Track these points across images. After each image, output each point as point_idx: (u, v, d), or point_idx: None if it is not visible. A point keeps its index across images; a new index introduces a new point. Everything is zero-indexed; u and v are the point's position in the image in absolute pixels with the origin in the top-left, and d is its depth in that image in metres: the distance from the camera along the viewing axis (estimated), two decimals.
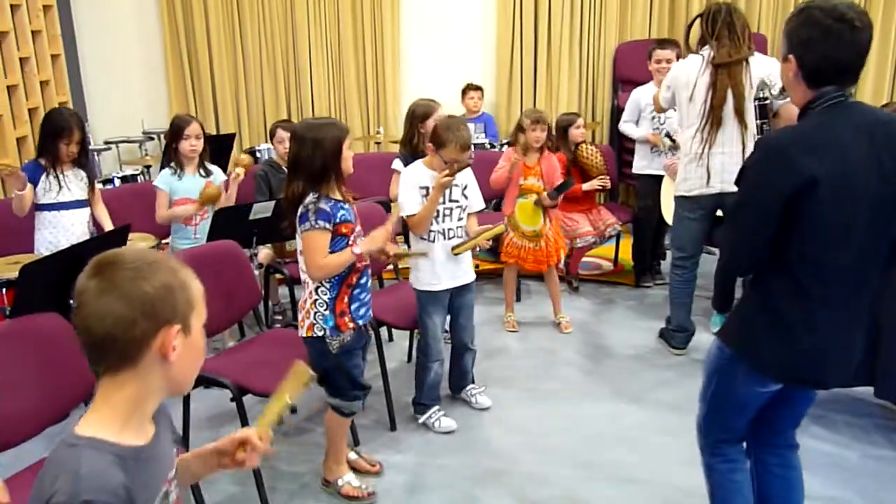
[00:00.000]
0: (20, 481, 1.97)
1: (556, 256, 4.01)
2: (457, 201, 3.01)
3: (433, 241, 2.97)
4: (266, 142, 5.16)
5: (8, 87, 4.82)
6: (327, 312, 2.44)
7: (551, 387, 3.47)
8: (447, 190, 2.94)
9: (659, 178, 4.33)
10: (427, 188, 2.92)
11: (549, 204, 3.91)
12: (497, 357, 3.76)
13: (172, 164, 3.63)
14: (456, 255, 2.98)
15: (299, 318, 2.53)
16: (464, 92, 5.70)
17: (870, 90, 5.70)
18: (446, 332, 3.37)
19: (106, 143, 5.83)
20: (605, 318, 4.28)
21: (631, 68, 5.65)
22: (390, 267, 3.96)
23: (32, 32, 5.15)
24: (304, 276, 2.46)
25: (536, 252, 3.95)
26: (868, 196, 1.69)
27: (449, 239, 3.00)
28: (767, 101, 3.29)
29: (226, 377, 2.56)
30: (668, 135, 4.30)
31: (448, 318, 3.18)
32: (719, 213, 3.57)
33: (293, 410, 3.26)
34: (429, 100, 3.68)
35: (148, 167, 5.37)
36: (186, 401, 2.74)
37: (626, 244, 4.87)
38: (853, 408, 3.17)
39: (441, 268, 2.99)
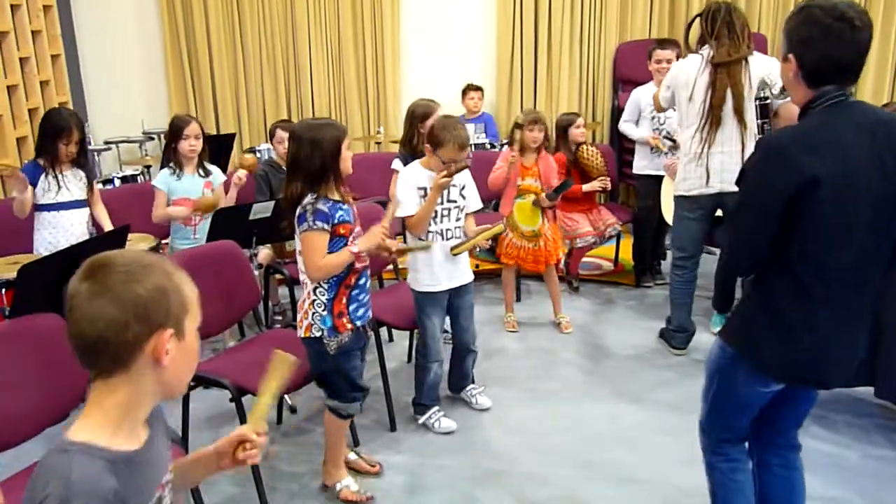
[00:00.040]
0: (19, 482, 1.97)
1: (555, 256, 4.01)
2: (455, 201, 3.01)
3: (430, 248, 2.95)
4: (266, 142, 5.16)
5: (8, 87, 4.82)
6: (325, 313, 2.44)
7: (551, 387, 3.46)
8: (445, 190, 2.93)
9: (659, 178, 4.33)
10: (425, 189, 2.91)
11: (548, 205, 3.91)
12: (497, 357, 3.76)
13: (171, 164, 3.63)
14: (455, 255, 2.98)
15: (298, 318, 2.52)
16: (464, 92, 5.70)
17: (870, 90, 5.70)
18: (446, 331, 3.37)
19: (106, 143, 5.84)
20: (605, 319, 4.28)
21: (631, 68, 5.64)
22: (390, 267, 3.96)
23: (32, 32, 5.15)
24: (302, 277, 2.46)
25: (536, 252, 3.95)
26: (870, 195, 1.69)
27: (447, 239, 2.99)
28: (768, 101, 3.29)
29: (225, 377, 2.56)
30: (667, 136, 4.30)
31: (448, 318, 3.17)
32: (719, 212, 3.57)
33: (293, 410, 3.27)
34: (428, 100, 3.68)
35: (148, 167, 5.37)
36: (186, 401, 2.74)
37: (627, 244, 4.87)
38: (853, 408, 3.17)
39: (439, 268, 2.98)
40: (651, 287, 4.69)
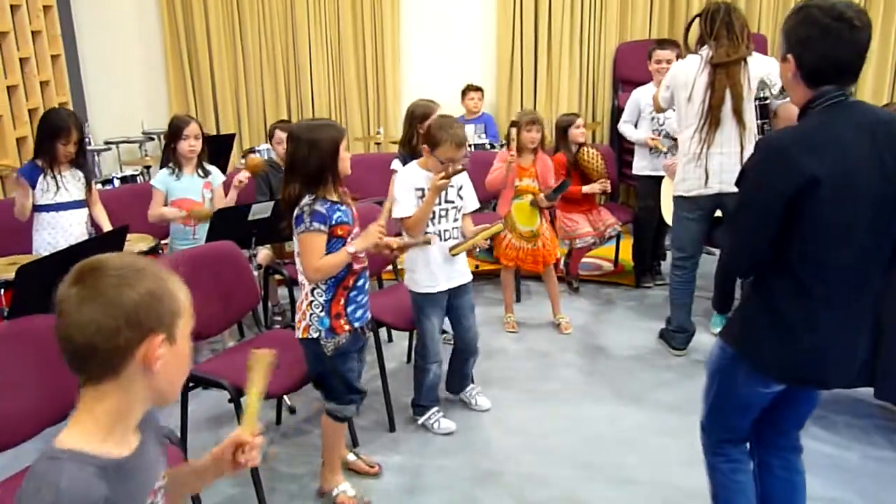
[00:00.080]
0: (17, 483, 1.97)
1: (553, 256, 4.01)
2: (452, 202, 3.00)
3: (430, 244, 2.94)
4: (266, 142, 5.16)
5: (8, 88, 4.82)
6: (323, 314, 2.43)
7: (551, 388, 3.46)
8: (442, 191, 2.92)
9: (659, 179, 4.33)
10: (423, 190, 2.90)
11: (547, 205, 3.91)
12: (497, 358, 3.75)
13: (171, 164, 3.62)
14: (454, 255, 2.97)
15: (296, 319, 2.52)
16: (464, 93, 5.70)
17: (870, 90, 5.69)
18: (445, 332, 3.36)
19: (106, 143, 5.84)
20: (605, 319, 4.27)
21: (631, 68, 5.64)
22: (389, 267, 3.96)
23: (32, 33, 5.16)
24: (301, 278, 2.45)
25: (534, 252, 3.95)
26: (870, 195, 1.68)
27: (445, 240, 2.98)
28: (768, 101, 3.28)
29: (224, 378, 2.55)
30: (667, 135, 4.29)
31: (448, 319, 3.16)
32: (718, 213, 3.57)
33: (292, 411, 3.26)
34: (428, 100, 3.68)
35: (148, 167, 5.37)
36: (185, 402, 2.73)
37: (627, 245, 4.86)
38: (853, 409, 3.17)
39: (438, 269, 2.97)
40: (651, 288, 4.69)
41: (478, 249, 3.16)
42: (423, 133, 2.98)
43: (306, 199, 2.34)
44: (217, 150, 4.25)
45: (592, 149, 4.44)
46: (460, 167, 2.87)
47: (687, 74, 3.43)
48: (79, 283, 1.05)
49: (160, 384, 1.12)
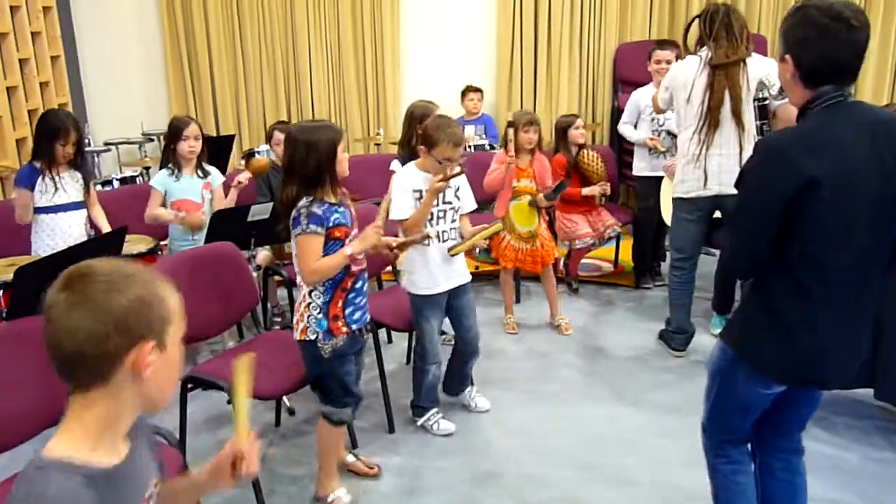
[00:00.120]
0: (9, 488, 1.97)
1: (551, 256, 4.00)
2: (450, 203, 2.99)
3: (428, 245, 2.94)
4: (266, 143, 5.15)
5: (7, 89, 4.82)
6: (320, 316, 2.42)
7: (551, 388, 3.46)
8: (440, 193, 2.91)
9: (659, 180, 4.33)
10: (420, 191, 2.89)
11: (546, 205, 3.91)
12: (496, 359, 3.75)
13: (170, 164, 3.62)
14: (453, 255, 2.96)
15: (294, 320, 2.51)
16: (463, 93, 5.70)
17: (870, 91, 5.68)
18: (444, 333, 3.36)
19: (106, 144, 5.84)
20: (604, 320, 4.27)
21: (631, 69, 5.64)
22: (389, 268, 3.95)
23: (32, 34, 5.16)
24: (299, 279, 2.45)
25: (533, 252, 3.94)
26: (870, 195, 1.68)
27: (444, 241, 2.98)
28: (767, 102, 3.28)
29: (223, 379, 2.54)
30: (670, 132, 4.29)
31: (448, 320, 3.16)
32: (718, 214, 3.56)
33: (291, 413, 3.26)
34: (427, 101, 3.68)
35: (147, 168, 5.37)
36: (183, 403, 2.72)
37: (627, 246, 4.86)
38: (853, 410, 3.16)
39: (437, 270, 2.96)
40: (651, 288, 4.68)
41: (477, 250, 3.16)
42: (419, 133, 2.97)
43: (303, 202, 2.33)
44: (217, 151, 4.25)
45: (592, 151, 4.43)
46: (459, 170, 2.86)
47: (686, 76, 3.43)
48: (67, 289, 1.04)
49: (150, 391, 1.11)
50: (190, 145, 3.56)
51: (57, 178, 3.39)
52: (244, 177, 3.68)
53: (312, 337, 2.42)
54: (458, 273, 3.05)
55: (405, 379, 3.35)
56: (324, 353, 2.43)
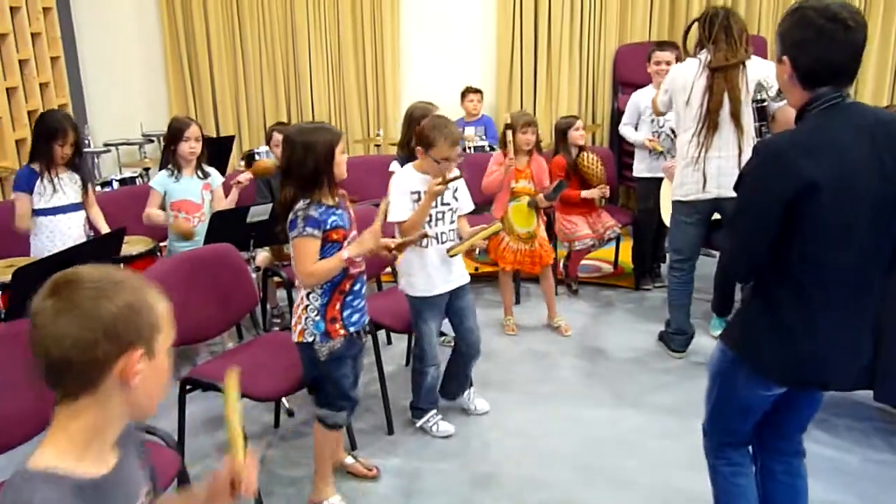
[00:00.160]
0: None
1: (549, 256, 4.00)
2: (448, 204, 2.98)
3: (426, 247, 2.93)
4: (265, 144, 5.15)
5: (7, 90, 4.82)
6: (318, 318, 2.41)
7: (550, 390, 3.45)
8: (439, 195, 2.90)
9: (659, 181, 4.32)
10: (418, 193, 2.88)
11: (546, 205, 3.90)
12: (496, 360, 3.74)
13: (170, 165, 3.62)
14: (452, 256, 2.95)
15: (292, 322, 2.50)
16: (463, 95, 5.69)
17: (870, 91, 5.68)
18: (444, 335, 3.35)
19: (105, 145, 5.84)
20: (604, 321, 4.27)
21: (631, 70, 5.63)
22: (388, 269, 3.95)
23: (32, 35, 5.16)
24: (297, 281, 2.44)
25: (532, 253, 3.94)
26: (869, 197, 1.68)
27: (442, 243, 2.97)
28: (765, 103, 3.28)
29: (222, 381, 2.53)
30: (671, 131, 4.28)
31: (448, 322, 3.15)
32: (717, 215, 3.56)
33: (290, 414, 3.26)
34: (427, 102, 3.68)
35: (147, 169, 5.37)
36: (182, 405, 2.72)
37: (626, 247, 4.86)
38: (853, 412, 3.16)
39: (435, 272, 2.95)
40: (650, 290, 4.68)
41: (477, 250, 3.15)
42: (416, 134, 2.95)
43: (301, 204, 2.32)
44: (216, 151, 4.25)
45: (592, 154, 4.43)
46: (458, 174, 2.85)
47: (685, 78, 3.43)
48: (54, 296, 1.03)
49: (138, 399, 1.09)
50: (190, 146, 3.56)
51: (55, 180, 3.39)
52: (245, 177, 3.68)
53: (310, 339, 2.41)
54: (458, 274, 3.04)
55: (404, 380, 3.35)
56: (320, 355, 2.42)
